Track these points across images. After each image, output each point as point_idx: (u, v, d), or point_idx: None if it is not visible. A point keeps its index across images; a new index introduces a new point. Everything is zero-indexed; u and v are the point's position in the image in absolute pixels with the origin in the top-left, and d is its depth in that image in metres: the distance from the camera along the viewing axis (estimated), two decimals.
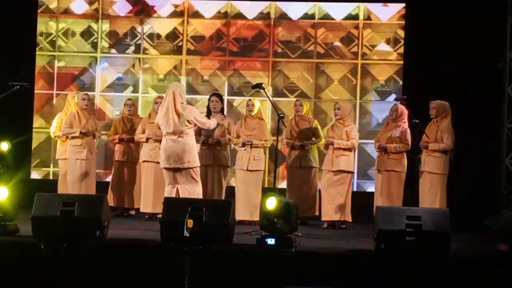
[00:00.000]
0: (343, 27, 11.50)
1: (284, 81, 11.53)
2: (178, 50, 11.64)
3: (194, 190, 8.65)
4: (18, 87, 8.40)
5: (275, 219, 7.10)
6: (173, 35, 11.66)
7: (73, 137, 9.90)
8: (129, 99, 10.63)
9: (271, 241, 7.01)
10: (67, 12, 11.76)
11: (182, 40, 11.60)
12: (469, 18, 10.68)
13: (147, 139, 9.89)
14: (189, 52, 11.61)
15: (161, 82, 11.63)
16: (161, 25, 11.68)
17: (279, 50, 11.53)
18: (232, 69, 11.60)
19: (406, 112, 9.52)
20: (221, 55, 11.63)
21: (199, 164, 8.80)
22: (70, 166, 9.91)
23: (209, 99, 9.98)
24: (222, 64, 11.61)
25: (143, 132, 9.98)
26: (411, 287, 6.70)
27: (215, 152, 9.73)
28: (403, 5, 11.35)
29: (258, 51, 11.58)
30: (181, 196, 8.56)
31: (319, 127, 9.99)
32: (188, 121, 8.63)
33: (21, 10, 11.57)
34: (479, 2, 10.61)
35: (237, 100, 11.54)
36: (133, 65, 11.71)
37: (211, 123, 9.13)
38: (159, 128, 8.97)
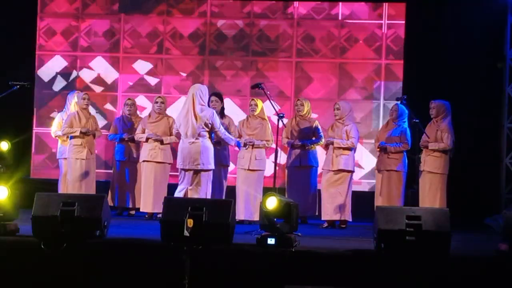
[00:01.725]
0: (366, 27, 11.43)
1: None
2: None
3: (203, 193, 8.63)
4: (18, 87, 8.39)
5: (275, 219, 7.11)
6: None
7: (73, 137, 9.91)
8: (129, 98, 10.62)
9: (271, 241, 7.00)
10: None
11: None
12: (469, 18, 10.68)
13: (147, 139, 9.90)
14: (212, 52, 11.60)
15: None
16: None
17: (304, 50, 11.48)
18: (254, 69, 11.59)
19: (406, 112, 9.54)
20: (244, 55, 11.61)
21: (213, 167, 8.80)
22: (70, 166, 9.92)
23: (208, 99, 9.96)
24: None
25: (143, 131, 9.98)
26: (411, 287, 6.69)
27: (215, 152, 9.69)
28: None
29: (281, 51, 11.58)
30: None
31: (319, 127, 9.99)
32: (205, 124, 8.63)
33: (21, 10, 11.57)
34: (479, 2, 10.62)
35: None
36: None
37: (228, 136, 9.07)
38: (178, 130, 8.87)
